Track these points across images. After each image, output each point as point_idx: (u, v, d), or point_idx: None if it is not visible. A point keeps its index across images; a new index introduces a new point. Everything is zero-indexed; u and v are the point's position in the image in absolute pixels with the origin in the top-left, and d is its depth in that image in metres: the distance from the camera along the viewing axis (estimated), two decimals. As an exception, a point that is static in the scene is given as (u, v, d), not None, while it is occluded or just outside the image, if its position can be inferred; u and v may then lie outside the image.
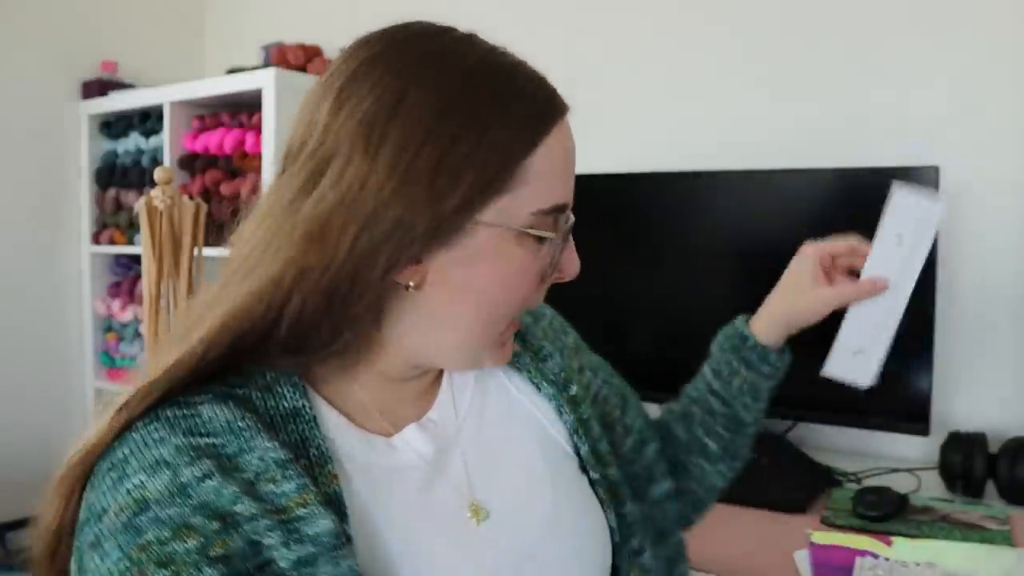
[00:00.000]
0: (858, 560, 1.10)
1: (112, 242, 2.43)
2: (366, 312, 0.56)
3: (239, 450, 0.53)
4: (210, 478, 0.51)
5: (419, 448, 0.63)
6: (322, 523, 0.52)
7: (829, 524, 1.25)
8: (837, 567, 1.10)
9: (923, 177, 1.37)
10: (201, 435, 0.53)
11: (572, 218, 0.61)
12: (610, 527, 0.70)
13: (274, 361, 0.58)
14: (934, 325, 1.38)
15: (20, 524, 2.14)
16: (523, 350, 0.73)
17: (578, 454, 0.72)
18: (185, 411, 0.54)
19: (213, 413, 0.54)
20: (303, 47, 2.13)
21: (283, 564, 0.51)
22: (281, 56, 2.12)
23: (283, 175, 0.57)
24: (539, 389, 0.72)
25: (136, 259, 2.39)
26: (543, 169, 0.56)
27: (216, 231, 2.10)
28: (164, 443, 0.52)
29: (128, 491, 0.51)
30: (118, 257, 2.49)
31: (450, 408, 0.67)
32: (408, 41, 0.56)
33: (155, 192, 1.72)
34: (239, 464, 0.53)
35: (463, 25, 0.60)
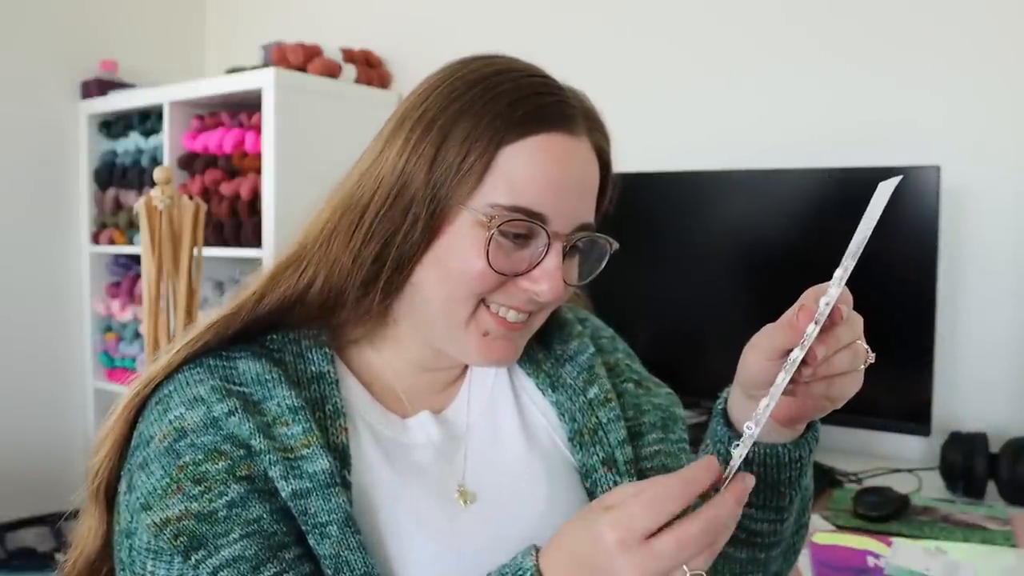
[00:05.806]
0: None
1: (112, 242, 2.42)
2: (389, 276, 0.64)
3: (262, 397, 0.63)
4: (235, 414, 0.60)
5: (430, 431, 0.69)
6: (320, 463, 0.60)
7: (830, 524, 1.24)
8: (838, 567, 1.10)
9: (923, 177, 1.37)
10: (235, 384, 0.63)
11: (547, 236, 0.63)
12: None
13: (311, 320, 0.67)
14: (935, 325, 1.38)
15: (20, 524, 2.13)
16: (545, 356, 0.75)
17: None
18: (224, 363, 0.64)
19: (247, 367, 0.64)
20: (303, 47, 2.13)
21: (283, 495, 0.59)
22: (281, 56, 2.12)
23: None
24: (544, 394, 0.75)
25: (136, 259, 2.39)
26: (509, 168, 0.62)
27: (216, 231, 2.10)
28: (202, 384, 0.62)
29: (170, 421, 0.61)
30: (118, 257, 2.49)
31: (464, 406, 0.72)
32: (446, 65, 0.67)
33: (155, 192, 1.72)
34: (261, 409, 0.62)
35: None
